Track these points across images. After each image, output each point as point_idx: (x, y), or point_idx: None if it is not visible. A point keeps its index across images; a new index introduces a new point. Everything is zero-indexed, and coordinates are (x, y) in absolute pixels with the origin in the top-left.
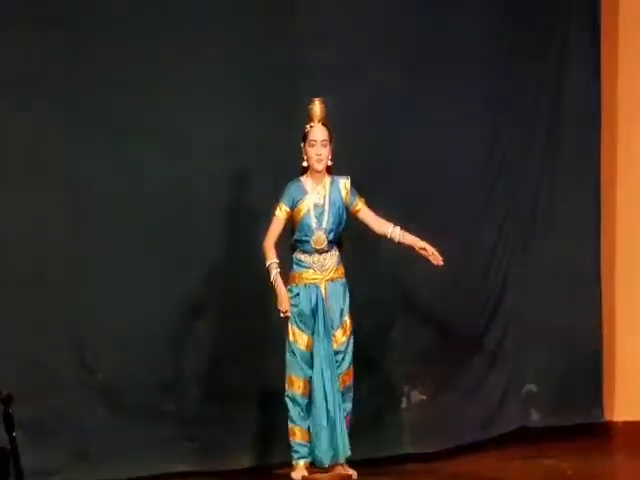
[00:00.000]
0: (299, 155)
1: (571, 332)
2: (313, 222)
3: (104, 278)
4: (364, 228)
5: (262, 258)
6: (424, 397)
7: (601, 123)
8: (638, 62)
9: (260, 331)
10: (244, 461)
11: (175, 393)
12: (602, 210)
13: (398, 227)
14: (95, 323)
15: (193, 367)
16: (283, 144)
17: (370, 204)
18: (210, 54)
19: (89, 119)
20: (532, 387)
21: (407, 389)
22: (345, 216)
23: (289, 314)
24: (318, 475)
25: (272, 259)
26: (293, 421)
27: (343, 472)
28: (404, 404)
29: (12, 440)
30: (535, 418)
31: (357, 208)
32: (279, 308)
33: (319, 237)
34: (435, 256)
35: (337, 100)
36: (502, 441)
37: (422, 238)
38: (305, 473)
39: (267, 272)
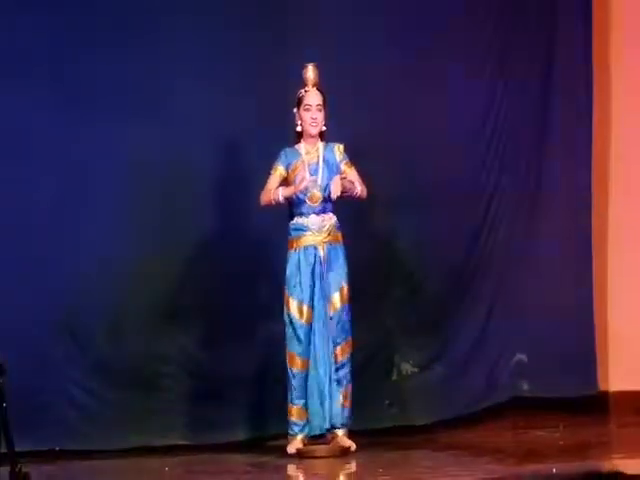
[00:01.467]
0: (293, 121)
1: (562, 302)
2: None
3: (93, 259)
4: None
5: (268, 205)
6: (415, 369)
7: (593, 96)
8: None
9: (252, 307)
10: (239, 434)
11: (169, 367)
12: (593, 185)
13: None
14: (85, 296)
15: (186, 342)
16: (276, 123)
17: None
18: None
19: (76, 100)
20: (523, 357)
21: (397, 360)
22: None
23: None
24: (314, 447)
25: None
26: (291, 399)
27: (341, 444)
28: (394, 376)
29: (2, 410)
30: (526, 389)
31: (342, 169)
32: (300, 188)
33: (314, 194)
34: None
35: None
36: (494, 412)
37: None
38: (300, 446)
39: (276, 202)
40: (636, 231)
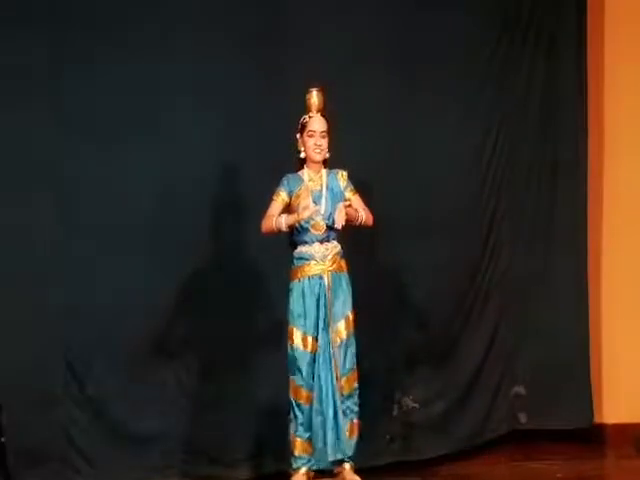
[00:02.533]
0: (294, 148)
1: (558, 335)
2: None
3: (89, 278)
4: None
5: (270, 233)
6: (416, 405)
7: (587, 110)
8: (625, 39)
9: (250, 338)
10: (240, 470)
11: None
12: (589, 210)
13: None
14: (80, 324)
15: (181, 376)
16: (275, 141)
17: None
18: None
19: (74, 119)
20: (520, 389)
21: (398, 396)
22: None
23: (313, 212)
24: None
25: (276, 219)
26: (295, 430)
27: (347, 478)
28: (395, 411)
29: (1, 445)
30: (524, 421)
31: (347, 197)
32: (304, 217)
33: (318, 222)
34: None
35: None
36: (491, 445)
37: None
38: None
39: (279, 230)
40: (633, 258)
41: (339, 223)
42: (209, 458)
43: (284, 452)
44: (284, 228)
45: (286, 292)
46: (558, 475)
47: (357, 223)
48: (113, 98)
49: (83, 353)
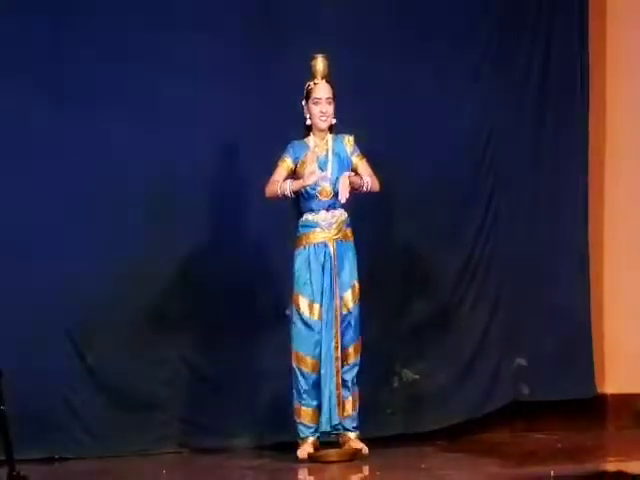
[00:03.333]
0: (301, 113)
1: (560, 306)
2: (317, 172)
3: (88, 247)
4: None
5: (274, 198)
6: (416, 376)
7: (589, 93)
8: (626, 32)
9: (252, 305)
10: (240, 442)
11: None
12: (589, 186)
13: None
14: (80, 294)
15: (185, 348)
16: (272, 125)
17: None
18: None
19: (72, 97)
20: (522, 361)
21: (398, 367)
22: (349, 171)
23: (319, 178)
24: (325, 452)
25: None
26: (299, 399)
27: (353, 446)
28: (396, 383)
29: (1, 413)
30: (526, 392)
31: (354, 161)
32: (309, 182)
33: (324, 188)
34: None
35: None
36: (493, 416)
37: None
38: (311, 450)
39: (283, 195)
40: (633, 234)
41: (343, 196)
42: (208, 429)
43: (284, 423)
44: (289, 193)
45: (292, 259)
46: (558, 445)
47: (363, 190)
48: (113, 82)
49: (83, 323)
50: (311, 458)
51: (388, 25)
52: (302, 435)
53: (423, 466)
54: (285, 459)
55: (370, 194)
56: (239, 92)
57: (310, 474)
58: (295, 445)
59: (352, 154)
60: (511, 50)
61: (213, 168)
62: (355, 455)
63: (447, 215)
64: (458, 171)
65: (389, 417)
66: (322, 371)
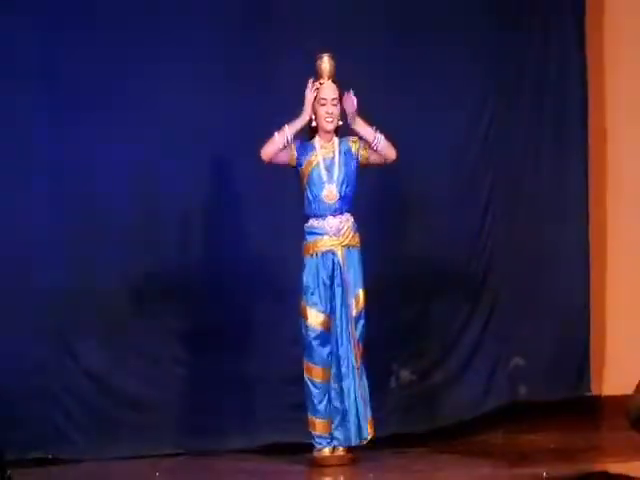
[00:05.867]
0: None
1: (559, 306)
2: (324, 174)
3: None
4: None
5: (272, 153)
6: (413, 377)
7: (588, 90)
8: (623, 29)
9: (247, 304)
10: (235, 443)
11: (159, 374)
12: (590, 186)
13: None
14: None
15: (175, 347)
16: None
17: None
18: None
19: (65, 103)
20: (520, 361)
21: (396, 368)
22: (356, 174)
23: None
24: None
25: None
26: (313, 412)
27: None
28: (392, 384)
29: None
30: (523, 392)
31: (362, 154)
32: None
33: (330, 191)
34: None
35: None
36: (488, 416)
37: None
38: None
39: (284, 144)
40: (633, 235)
41: (351, 107)
42: (203, 431)
43: (278, 424)
44: (289, 136)
45: (290, 259)
46: (551, 446)
47: (374, 145)
48: (107, 84)
49: (76, 324)
50: (311, 462)
51: (388, 25)
52: (319, 446)
53: (416, 468)
54: (280, 461)
55: (384, 163)
56: (239, 93)
57: (306, 476)
58: (290, 447)
59: (358, 150)
60: (510, 50)
61: (213, 168)
62: (355, 460)
63: (446, 212)
64: (458, 171)
65: (385, 417)
66: (344, 384)
